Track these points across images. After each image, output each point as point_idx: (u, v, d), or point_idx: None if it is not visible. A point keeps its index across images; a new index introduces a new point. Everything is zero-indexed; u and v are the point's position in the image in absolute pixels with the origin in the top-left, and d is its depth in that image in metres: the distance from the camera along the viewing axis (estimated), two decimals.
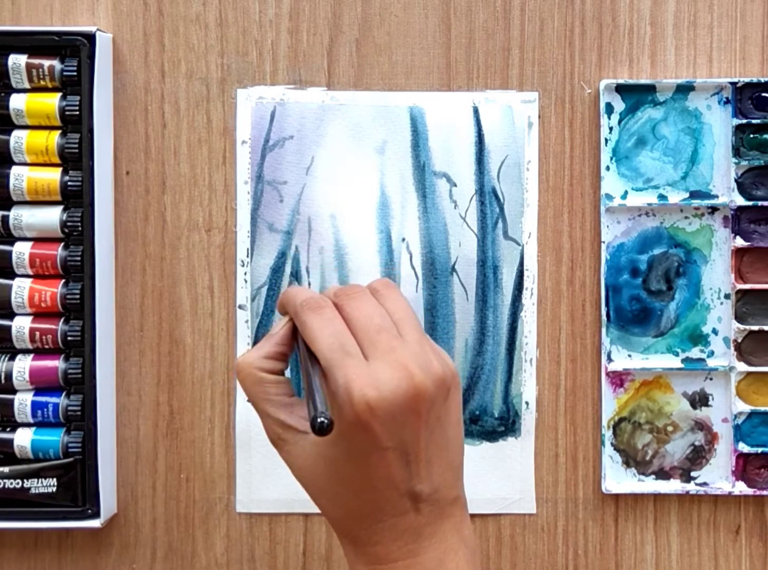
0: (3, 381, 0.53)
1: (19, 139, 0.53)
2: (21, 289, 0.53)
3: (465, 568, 0.41)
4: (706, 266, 0.56)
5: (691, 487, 0.55)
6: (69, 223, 0.53)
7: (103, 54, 0.54)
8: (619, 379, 0.56)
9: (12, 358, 0.54)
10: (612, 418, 0.56)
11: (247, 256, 0.56)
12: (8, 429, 0.54)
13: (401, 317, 0.42)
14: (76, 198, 0.53)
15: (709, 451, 0.56)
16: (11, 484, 0.53)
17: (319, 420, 0.37)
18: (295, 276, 0.56)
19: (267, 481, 0.56)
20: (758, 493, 0.55)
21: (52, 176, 0.53)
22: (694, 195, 0.56)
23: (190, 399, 0.56)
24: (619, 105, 0.56)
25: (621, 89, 0.55)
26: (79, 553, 0.56)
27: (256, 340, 0.56)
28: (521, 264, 0.56)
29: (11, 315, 0.54)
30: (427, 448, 0.40)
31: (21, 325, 0.53)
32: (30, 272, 0.54)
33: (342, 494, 0.41)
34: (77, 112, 0.53)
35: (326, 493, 0.42)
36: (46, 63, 0.53)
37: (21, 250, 0.53)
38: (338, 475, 0.41)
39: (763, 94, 0.55)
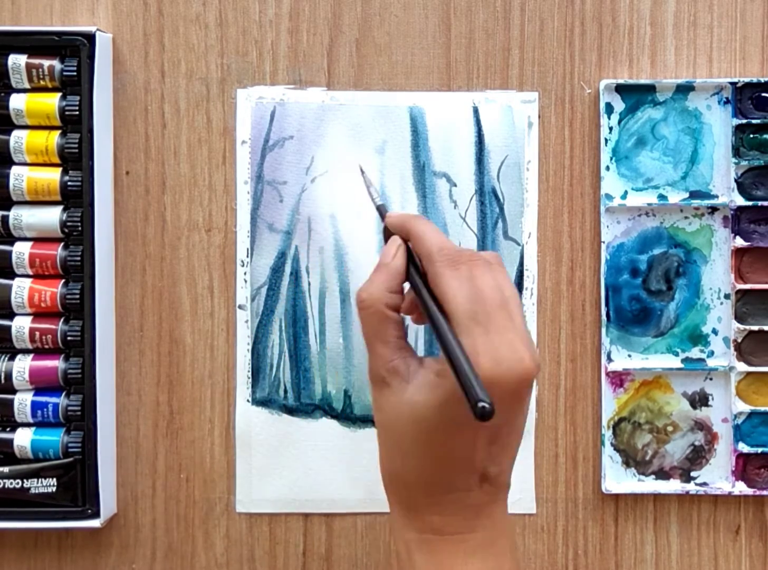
0: (3, 381, 0.53)
1: (19, 139, 0.53)
2: (21, 289, 0.53)
3: (510, 553, 0.42)
4: (706, 266, 0.56)
5: (691, 487, 0.55)
6: (69, 223, 0.53)
7: (103, 54, 0.54)
8: (619, 379, 0.56)
9: (12, 358, 0.54)
10: (612, 418, 0.56)
11: (247, 256, 0.56)
12: (8, 429, 0.54)
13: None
14: (76, 198, 0.53)
15: (709, 451, 0.56)
16: (11, 484, 0.53)
17: (481, 405, 0.35)
18: (295, 276, 0.56)
19: (267, 481, 0.56)
20: (758, 493, 0.55)
21: (52, 176, 0.53)
22: (694, 195, 0.56)
23: (190, 399, 0.56)
24: (619, 105, 0.56)
25: (621, 89, 0.55)
26: (79, 553, 0.56)
27: (255, 340, 0.56)
28: (521, 264, 0.56)
29: (11, 315, 0.54)
30: (509, 433, 0.41)
31: (21, 325, 0.53)
32: (30, 272, 0.54)
33: (422, 458, 0.40)
34: (77, 112, 0.53)
35: (406, 452, 0.41)
36: (46, 63, 0.53)
37: (21, 250, 0.53)
38: (427, 438, 0.40)
39: (763, 94, 0.55)
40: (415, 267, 0.42)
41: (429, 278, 0.41)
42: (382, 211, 0.47)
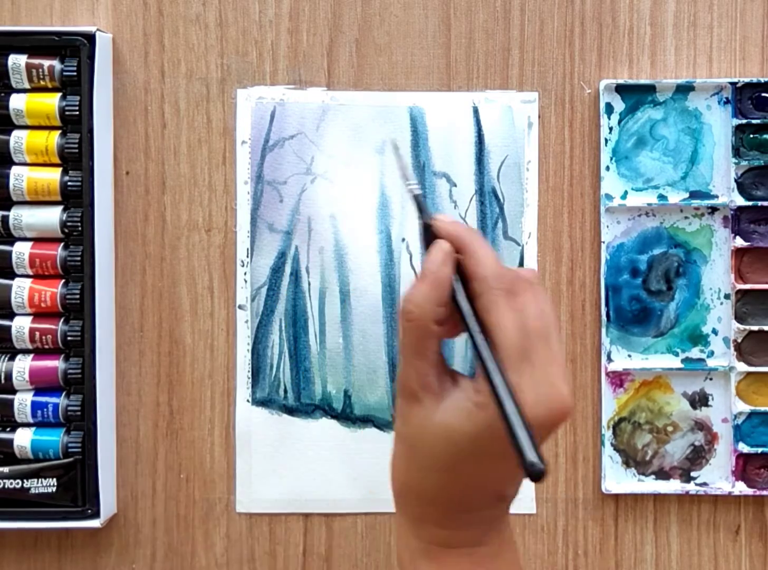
0: (3, 381, 0.53)
1: (19, 139, 0.53)
2: (21, 289, 0.53)
3: (515, 560, 0.42)
4: (706, 266, 0.56)
5: (691, 487, 0.55)
6: (69, 223, 0.53)
7: (103, 54, 0.54)
8: (619, 379, 0.56)
9: (12, 358, 0.54)
10: (612, 418, 0.56)
11: (247, 256, 0.56)
12: (8, 429, 0.54)
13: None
14: (76, 198, 0.53)
15: (709, 451, 0.56)
16: (11, 484, 0.53)
17: (538, 469, 0.33)
18: (295, 276, 0.56)
19: (267, 481, 0.56)
20: (758, 493, 0.55)
21: (52, 176, 0.53)
22: (694, 195, 0.56)
23: (190, 399, 0.56)
24: (619, 105, 0.56)
25: (621, 89, 0.55)
26: (79, 553, 0.56)
27: (255, 340, 0.56)
28: (521, 264, 0.56)
29: (11, 315, 0.54)
30: None
31: (21, 325, 0.53)
32: (30, 272, 0.54)
33: (444, 478, 0.39)
34: (77, 112, 0.53)
35: (428, 469, 0.39)
36: (46, 63, 0.53)
37: (21, 250, 0.53)
38: (454, 462, 0.38)
39: (763, 94, 0.55)
40: (464, 286, 0.39)
41: (479, 303, 0.38)
42: (420, 202, 0.42)
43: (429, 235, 0.40)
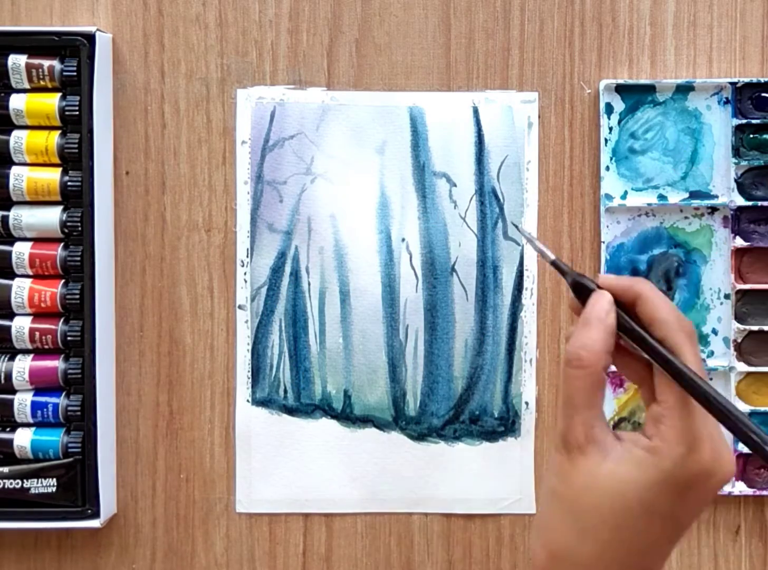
0: (3, 381, 0.53)
1: (18, 139, 0.53)
2: (21, 289, 0.53)
3: None
4: (705, 266, 0.56)
5: None
6: (69, 223, 0.53)
7: (103, 54, 0.54)
8: (618, 379, 0.56)
9: (12, 358, 0.54)
10: (612, 418, 0.56)
11: (247, 256, 0.56)
12: (8, 429, 0.54)
13: None
14: (76, 198, 0.53)
15: None
16: (11, 484, 0.53)
17: None
18: (295, 276, 0.56)
19: (267, 481, 0.56)
20: (758, 493, 0.55)
21: (52, 176, 0.53)
22: (693, 195, 0.56)
23: (190, 399, 0.56)
24: (619, 105, 0.56)
25: (621, 89, 0.55)
26: (79, 553, 0.56)
27: (255, 340, 0.56)
28: (521, 264, 0.56)
29: (11, 315, 0.54)
30: (686, 533, 0.38)
31: (21, 325, 0.53)
32: (30, 272, 0.54)
33: (605, 543, 0.37)
34: (77, 112, 0.53)
35: (588, 531, 0.37)
36: (46, 63, 0.53)
37: (21, 250, 0.53)
38: (618, 521, 0.36)
39: (763, 94, 0.55)
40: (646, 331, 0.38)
41: (665, 346, 0.37)
42: (560, 266, 0.41)
43: (578, 291, 0.40)
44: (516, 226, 0.54)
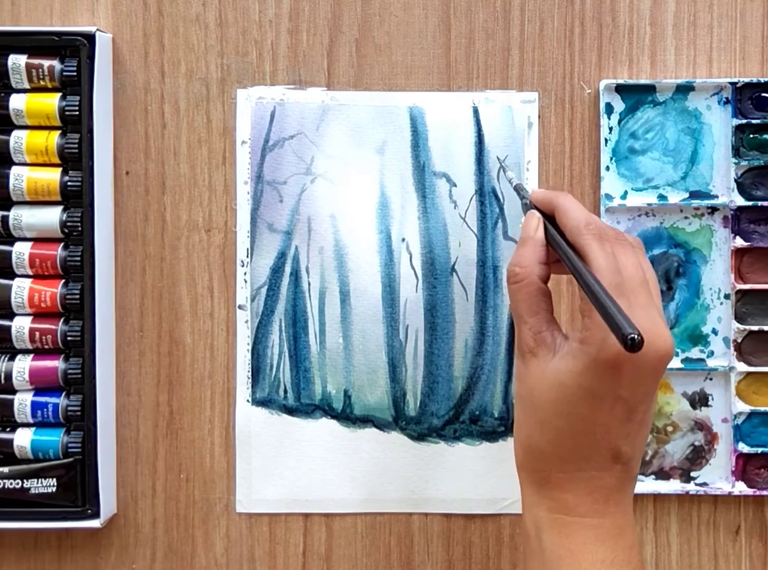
0: (3, 381, 0.53)
1: (18, 139, 0.53)
2: (21, 289, 0.53)
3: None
4: (705, 266, 0.56)
5: (691, 488, 0.55)
6: (69, 223, 0.53)
7: (103, 54, 0.54)
8: None
9: (12, 358, 0.54)
10: None
11: (247, 256, 0.56)
12: (8, 429, 0.54)
13: (651, 277, 0.42)
14: (76, 198, 0.53)
15: (709, 451, 0.56)
16: (11, 484, 0.53)
17: (630, 336, 0.35)
18: (295, 276, 0.56)
19: (267, 481, 0.56)
20: (758, 493, 0.55)
21: (52, 176, 0.53)
22: (693, 195, 0.56)
23: (190, 399, 0.56)
24: (619, 105, 0.56)
25: (621, 89, 0.55)
26: (79, 553, 0.56)
27: (255, 340, 0.56)
28: None
29: (11, 315, 0.54)
30: (645, 412, 0.41)
31: (21, 326, 0.53)
32: (30, 272, 0.54)
33: (561, 430, 0.41)
34: (77, 112, 0.53)
35: (545, 422, 0.42)
36: (46, 63, 0.53)
37: (21, 251, 0.53)
38: (567, 407, 0.41)
39: (763, 94, 0.55)
40: (563, 237, 0.44)
41: (576, 249, 0.42)
42: (520, 191, 0.50)
43: (525, 211, 0.47)
44: (498, 160, 0.55)
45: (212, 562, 0.56)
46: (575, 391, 0.40)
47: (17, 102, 0.53)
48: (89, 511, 0.53)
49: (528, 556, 0.44)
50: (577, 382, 0.40)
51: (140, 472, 0.56)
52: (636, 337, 0.35)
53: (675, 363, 0.56)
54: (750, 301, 0.56)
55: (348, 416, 0.56)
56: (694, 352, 0.56)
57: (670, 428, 0.56)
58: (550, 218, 0.45)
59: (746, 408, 0.55)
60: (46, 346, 0.54)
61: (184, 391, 0.56)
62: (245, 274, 0.56)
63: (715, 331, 0.56)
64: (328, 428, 0.56)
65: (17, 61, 0.53)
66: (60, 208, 0.54)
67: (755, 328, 0.55)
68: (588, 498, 0.41)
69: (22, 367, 0.53)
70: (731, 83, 0.55)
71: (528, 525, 0.43)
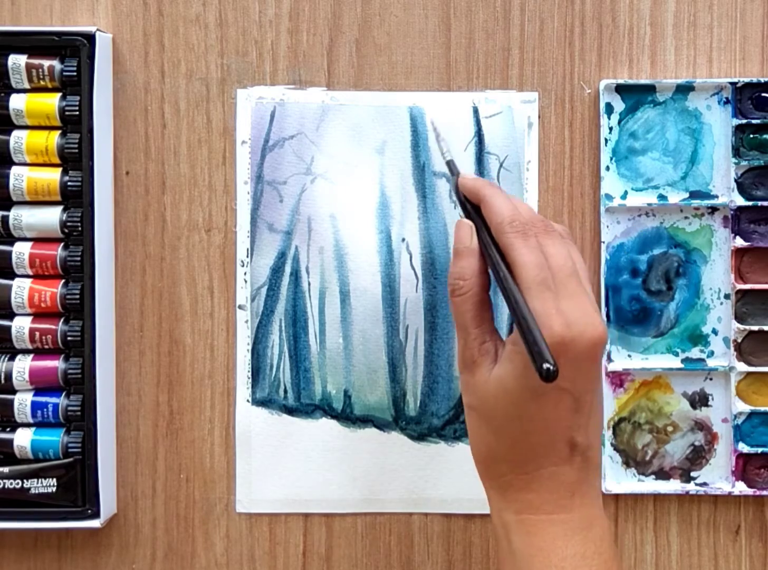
0: (3, 381, 0.53)
1: (18, 139, 0.53)
2: (21, 289, 0.53)
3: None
4: (705, 266, 0.56)
5: (691, 487, 0.55)
6: (69, 223, 0.53)
7: (103, 54, 0.54)
8: (618, 379, 0.56)
9: (12, 358, 0.54)
10: (612, 418, 0.56)
11: (247, 256, 0.56)
12: (8, 429, 0.54)
13: (580, 267, 0.43)
14: (76, 198, 0.53)
15: (709, 451, 0.56)
16: (11, 484, 0.53)
17: (545, 366, 0.37)
18: (295, 276, 0.56)
19: (267, 481, 0.56)
20: (758, 493, 0.55)
21: (52, 176, 0.53)
22: (693, 195, 0.56)
23: (190, 399, 0.56)
24: (619, 105, 0.56)
25: (621, 89, 0.55)
26: (79, 553, 0.56)
27: (255, 340, 0.56)
28: None
29: (11, 315, 0.54)
30: (592, 400, 0.42)
31: (21, 326, 0.53)
32: (30, 272, 0.54)
33: (515, 433, 0.42)
34: (77, 112, 0.53)
35: (497, 428, 0.42)
36: (46, 63, 0.53)
37: (21, 251, 0.53)
38: (516, 410, 0.41)
39: (763, 94, 0.55)
40: (488, 232, 0.44)
41: (500, 248, 0.43)
42: (452, 167, 0.49)
43: (458, 192, 0.47)
44: (433, 124, 0.54)
45: (212, 562, 0.56)
46: (520, 393, 0.41)
47: (17, 102, 0.53)
48: (89, 511, 0.53)
49: (500, 559, 0.44)
50: (520, 383, 0.41)
51: (140, 472, 0.56)
52: (551, 367, 0.36)
53: (675, 363, 0.56)
54: (750, 301, 0.56)
55: (348, 416, 0.56)
56: (694, 352, 0.56)
57: (670, 428, 0.56)
58: (476, 207, 0.45)
59: (746, 408, 0.55)
60: (46, 346, 0.54)
61: (184, 391, 0.56)
62: (245, 274, 0.56)
63: (715, 331, 0.56)
64: (328, 428, 0.56)
65: (17, 61, 0.53)
66: (60, 208, 0.54)
67: (755, 328, 0.55)
68: (553, 495, 0.42)
69: (22, 367, 0.53)
70: (731, 83, 0.55)
71: (497, 528, 0.43)
